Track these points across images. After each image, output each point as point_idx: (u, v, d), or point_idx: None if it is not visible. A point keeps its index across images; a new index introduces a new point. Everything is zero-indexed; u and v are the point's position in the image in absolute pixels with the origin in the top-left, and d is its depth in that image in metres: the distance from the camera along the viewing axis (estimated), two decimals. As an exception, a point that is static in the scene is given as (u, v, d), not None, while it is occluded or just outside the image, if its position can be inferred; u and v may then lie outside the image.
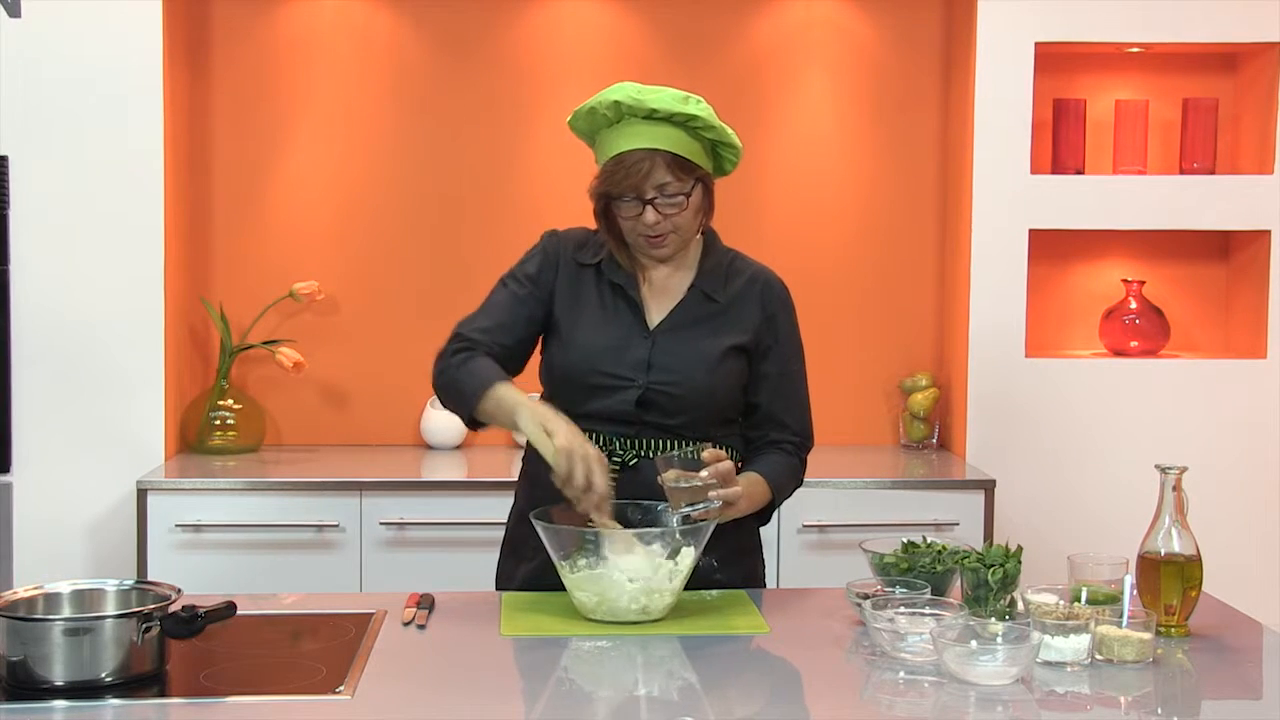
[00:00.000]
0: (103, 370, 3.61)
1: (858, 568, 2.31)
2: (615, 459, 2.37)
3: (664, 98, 2.32)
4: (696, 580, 2.31)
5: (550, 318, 2.45)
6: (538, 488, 2.38)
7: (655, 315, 2.43)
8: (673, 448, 2.33)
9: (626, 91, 2.32)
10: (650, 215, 2.34)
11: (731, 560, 2.44)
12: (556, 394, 2.45)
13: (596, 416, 2.37)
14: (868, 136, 4.06)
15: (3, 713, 1.79)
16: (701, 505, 2.23)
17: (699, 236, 2.47)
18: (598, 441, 2.35)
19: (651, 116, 2.32)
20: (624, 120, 2.34)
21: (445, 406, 2.42)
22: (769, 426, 2.48)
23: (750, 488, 2.35)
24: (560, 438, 2.20)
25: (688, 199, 2.35)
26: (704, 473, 2.22)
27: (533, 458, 2.45)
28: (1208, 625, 2.20)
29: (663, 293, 2.45)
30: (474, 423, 2.38)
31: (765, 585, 2.56)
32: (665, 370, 2.37)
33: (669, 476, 2.23)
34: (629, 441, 2.39)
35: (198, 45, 3.92)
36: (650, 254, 2.42)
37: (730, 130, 2.38)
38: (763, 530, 2.55)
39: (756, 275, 2.49)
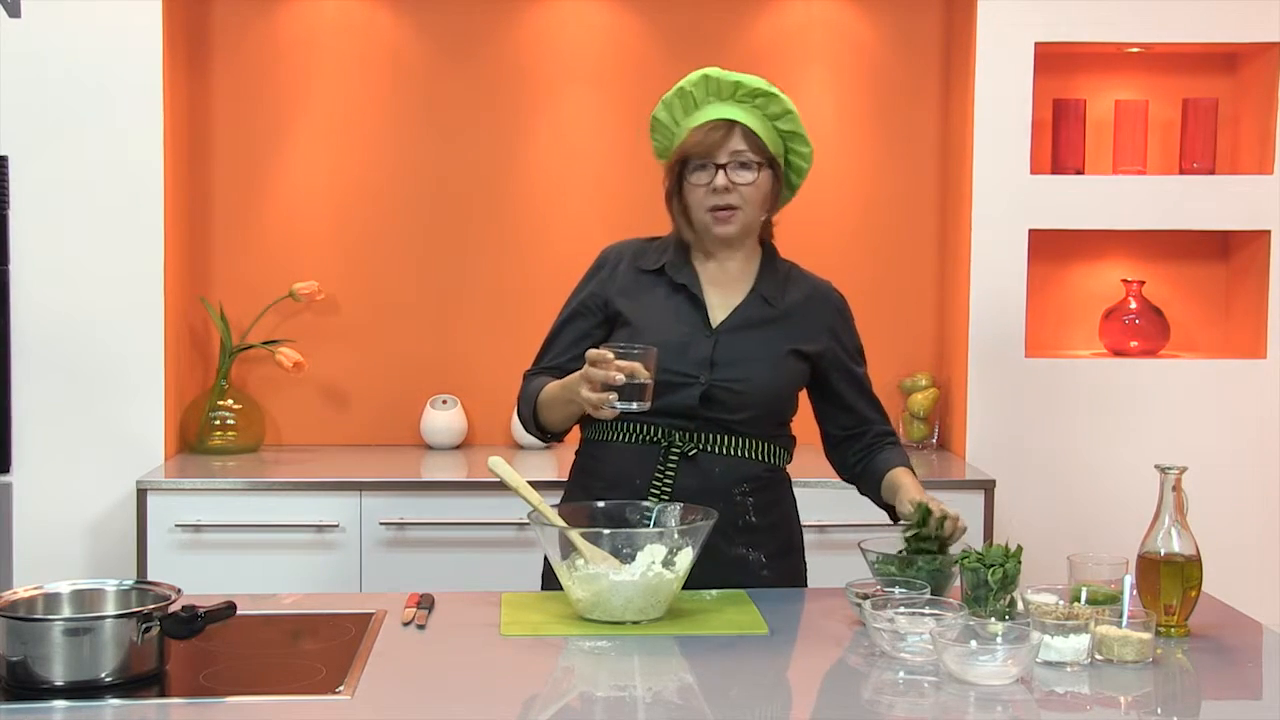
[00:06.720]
0: (103, 370, 3.61)
1: (858, 568, 2.31)
2: (675, 450, 2.44)
3: (749, 77, 2.47)
4: (745, 576, 2.42)
5: (617, 316, 2.51)
6: (583, 488, 2.51)
7: (718, 314, 2.50)
8: (732, 443, 2.43)
9: (715, 69, 2.47)
10: (721, 179, 2.42)
11: (779, 556, 2.52)
12: None
13: (659, 412, 2.40)
14: (868, 136, 4.06)
15: (3, 713, 1.79)
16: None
17: (759, 247, 2.56)
18: (658, 435, 2.45)
19: (735, 94, 2.45)
20: (709, 100, 2.47)
21: (543, 439, 2.55)
22: (867, 425, 2.60)
23: (909, 478, 2.49)
24: (570, 393, 2.32)
25: (759, 171, 2.44)
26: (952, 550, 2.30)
27: (584, 454, 2.57)
28: (1208, 625, 2.20)
29: (725, 295, 2.52)
30: (549, 434, 2.52)
31: (807, 584, 2.59)
32: (729, 367, 2.43)
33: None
34: (689, 435, 2.45)
35: (198, 45, 3.92)
36: (715, 231, 2.48)
37: (804, 130, 2.50)
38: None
39: (817, 287, 2.60)
